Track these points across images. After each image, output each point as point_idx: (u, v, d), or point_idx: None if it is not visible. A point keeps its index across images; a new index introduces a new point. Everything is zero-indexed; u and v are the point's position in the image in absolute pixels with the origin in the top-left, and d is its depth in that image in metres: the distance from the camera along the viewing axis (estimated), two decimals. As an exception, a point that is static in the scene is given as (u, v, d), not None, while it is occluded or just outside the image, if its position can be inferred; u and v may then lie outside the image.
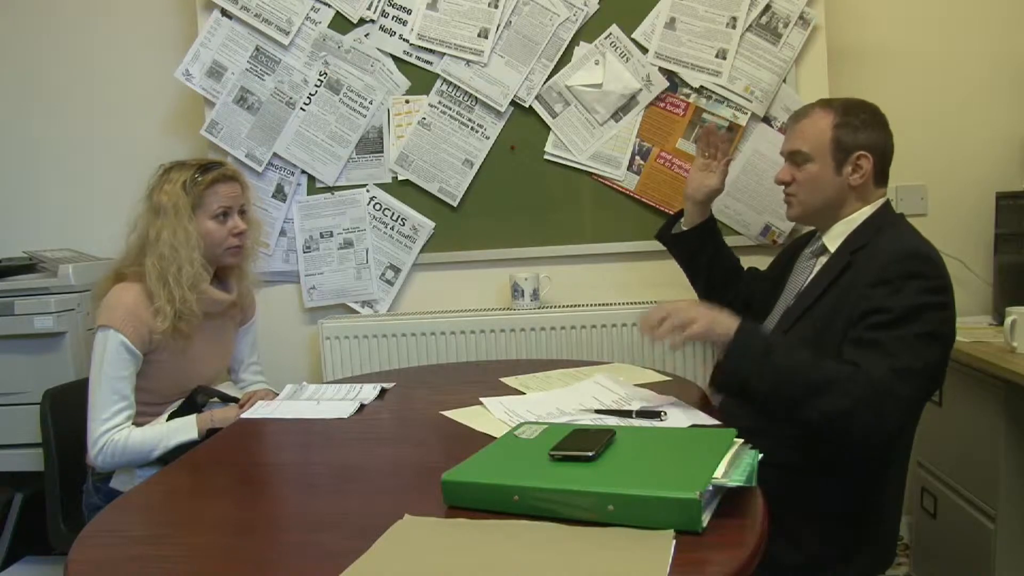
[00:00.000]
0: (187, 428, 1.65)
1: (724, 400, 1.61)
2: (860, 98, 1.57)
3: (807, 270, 1.57)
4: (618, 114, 2.26)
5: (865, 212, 1.51)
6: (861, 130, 1.49)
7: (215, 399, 1.77)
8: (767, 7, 2.18)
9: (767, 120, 2.23)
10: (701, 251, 1.87)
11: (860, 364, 1.28)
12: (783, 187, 1.60)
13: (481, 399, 1.52)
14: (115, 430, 1.61)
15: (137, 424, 1.66)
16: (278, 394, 1.75)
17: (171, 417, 1.70)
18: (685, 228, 1.89)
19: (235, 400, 1.78)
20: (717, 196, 1.84)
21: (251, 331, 1.99)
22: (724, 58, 2.21)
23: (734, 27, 2.19)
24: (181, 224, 1.66)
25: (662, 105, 2.25)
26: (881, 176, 1.52)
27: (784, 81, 2.22)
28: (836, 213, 1.53)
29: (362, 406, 1.59)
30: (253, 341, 2.00)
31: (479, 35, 2.25)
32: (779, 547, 0.98)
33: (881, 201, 1.52)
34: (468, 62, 2.27)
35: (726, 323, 1.36)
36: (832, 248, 1.52)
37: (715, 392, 1.43)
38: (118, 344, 1.62)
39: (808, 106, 1.58)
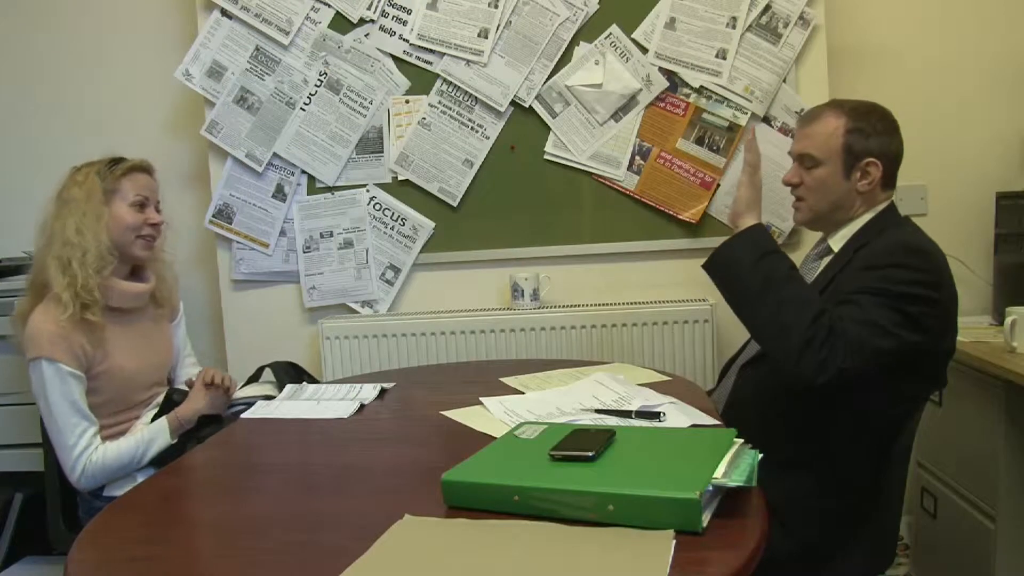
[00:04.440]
0: (161, 434, 1.64)
1: (724, 404, 1.61)
2: (872, 101, 1.55)
3: (812, 271, 1.57)
4: (618, 114, 2.26)
5: (871, 214, 1.51)
6: (872, 137, 1.48)
7: None
8: (767, 7, 2.18)
9: (767, 120, 2.23)
10: None
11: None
12: (791, 188, 1.59)
13: (481, 399, 1.52)
14: (87, 451, 1.60)
15: (110, 436, 1.66)
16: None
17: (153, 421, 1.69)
18: None
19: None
20: None
21: (181, 325, 1.96)
22: (724, 58, 2.21)
23: (734, 27, 2.19)
24: (92, 208, 1.64)
25: (662, 105, 2.25)
26: (889, 182, 1.52)
27: (784, 81, 2.22)
28: (842, 217, 1.53)
29: (362, 406, 1.59)
30: (184, 335, 1.97)
31: (479, 35, 2.25)
32: (775, 537, 0.98)
33: (886, 203, 1.52)
34: (468, 62, 2.27)
35: (747, 219, 1.52)
36: (836, 248, 1.52)
37: (704, 268, 1.54)
38: (55, 371, 1.58)
39: (819, 108, 1.56)
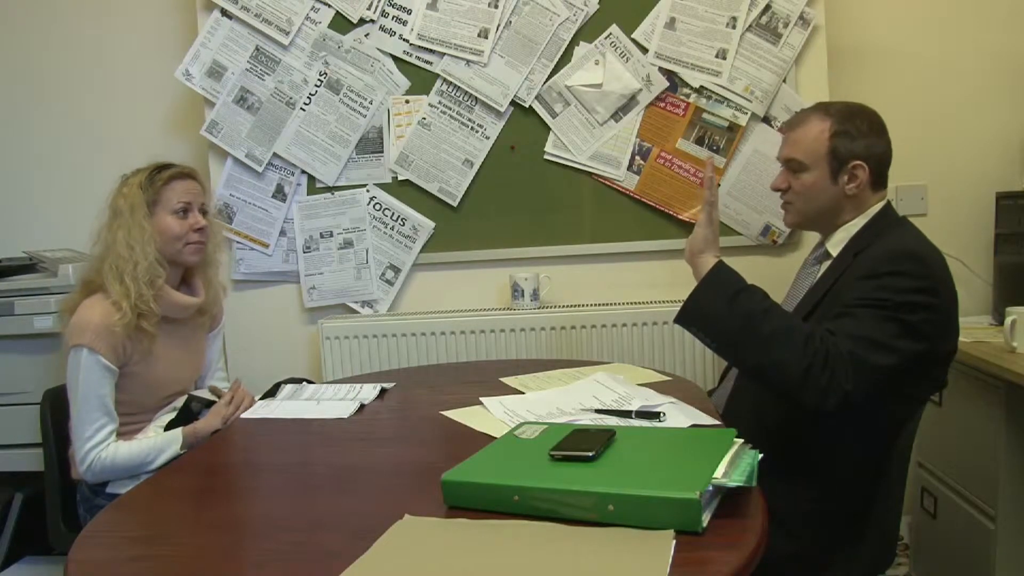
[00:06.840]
0: (174, 443, 1.65)
1: (726, 403, 1.61)
2: (859, 103, 1.55)
3: (811, 276, 1.57)
4: (618, 114, 2.26)
5: (866, 216, 1.50)
6: (858, 139, 1.47)
7: (210, 407, 1.75)
8: (767, 7, 2.18)
9: (767, 120, 2.23)
10: None
11: (829, 328, 1.32)
12: (779, 193, 1.59)
13: (481, 399, 1.52)
14: (100, 447, 1.60)
15: (121, 434, 1.66)
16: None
17: (169, 426, 1.69)
18: None
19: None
20: None
21: (219, 336, 1.97)
22: (724, 58, 2.21)
23: (734, 27, 2.19)
24: (137, 222, 1.66)
25: (662, 105, 2.25)
26: (879, 182, 1.51)
27: (784, 81, 2.22)
28: (834, 220, 1.52)
29: (362, 406, 1.59)
30: (220, 347, 1.98)
31: (479, 35, 2.25)
32: (775, 538, 0.98)
33: (881, 204, 1.51)
34: (468, 62, 2.27)
35: (706, 258, 1.45)
36: (834, 253, 1.52)
37: (677, 323, 1.46)
38: (93, 363, 1.60)
39: (805, 112, 1.56)
